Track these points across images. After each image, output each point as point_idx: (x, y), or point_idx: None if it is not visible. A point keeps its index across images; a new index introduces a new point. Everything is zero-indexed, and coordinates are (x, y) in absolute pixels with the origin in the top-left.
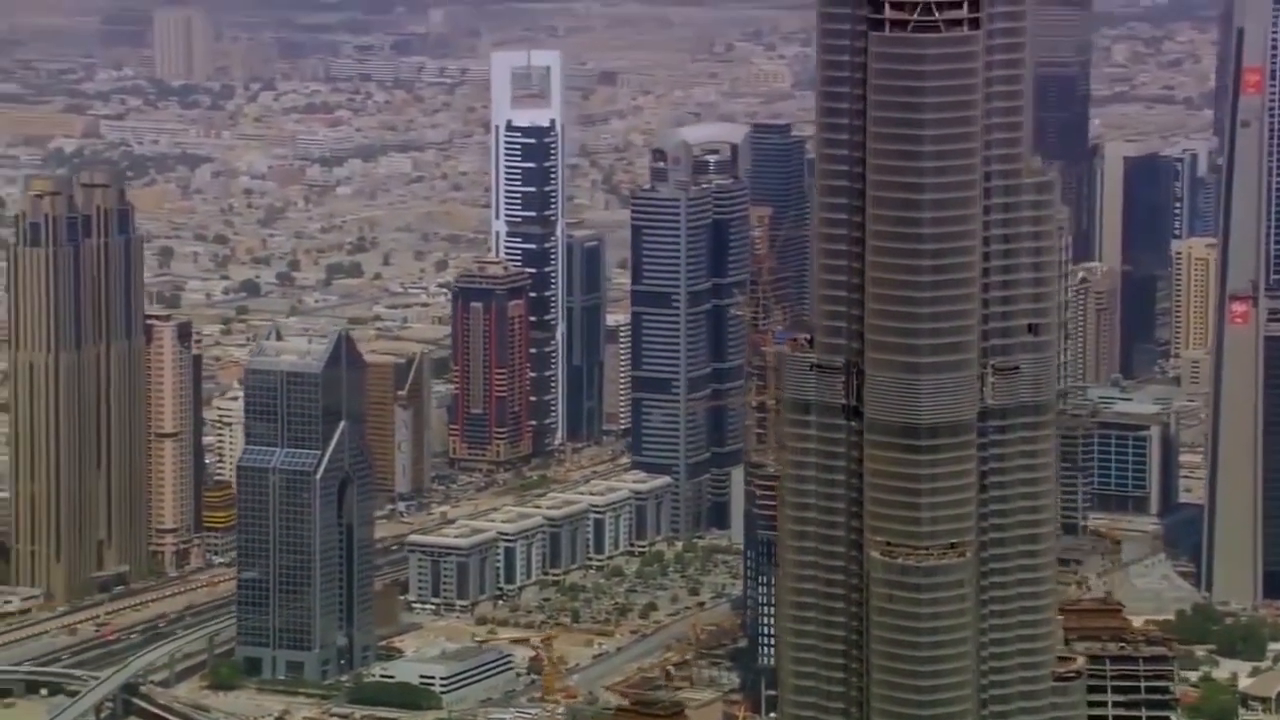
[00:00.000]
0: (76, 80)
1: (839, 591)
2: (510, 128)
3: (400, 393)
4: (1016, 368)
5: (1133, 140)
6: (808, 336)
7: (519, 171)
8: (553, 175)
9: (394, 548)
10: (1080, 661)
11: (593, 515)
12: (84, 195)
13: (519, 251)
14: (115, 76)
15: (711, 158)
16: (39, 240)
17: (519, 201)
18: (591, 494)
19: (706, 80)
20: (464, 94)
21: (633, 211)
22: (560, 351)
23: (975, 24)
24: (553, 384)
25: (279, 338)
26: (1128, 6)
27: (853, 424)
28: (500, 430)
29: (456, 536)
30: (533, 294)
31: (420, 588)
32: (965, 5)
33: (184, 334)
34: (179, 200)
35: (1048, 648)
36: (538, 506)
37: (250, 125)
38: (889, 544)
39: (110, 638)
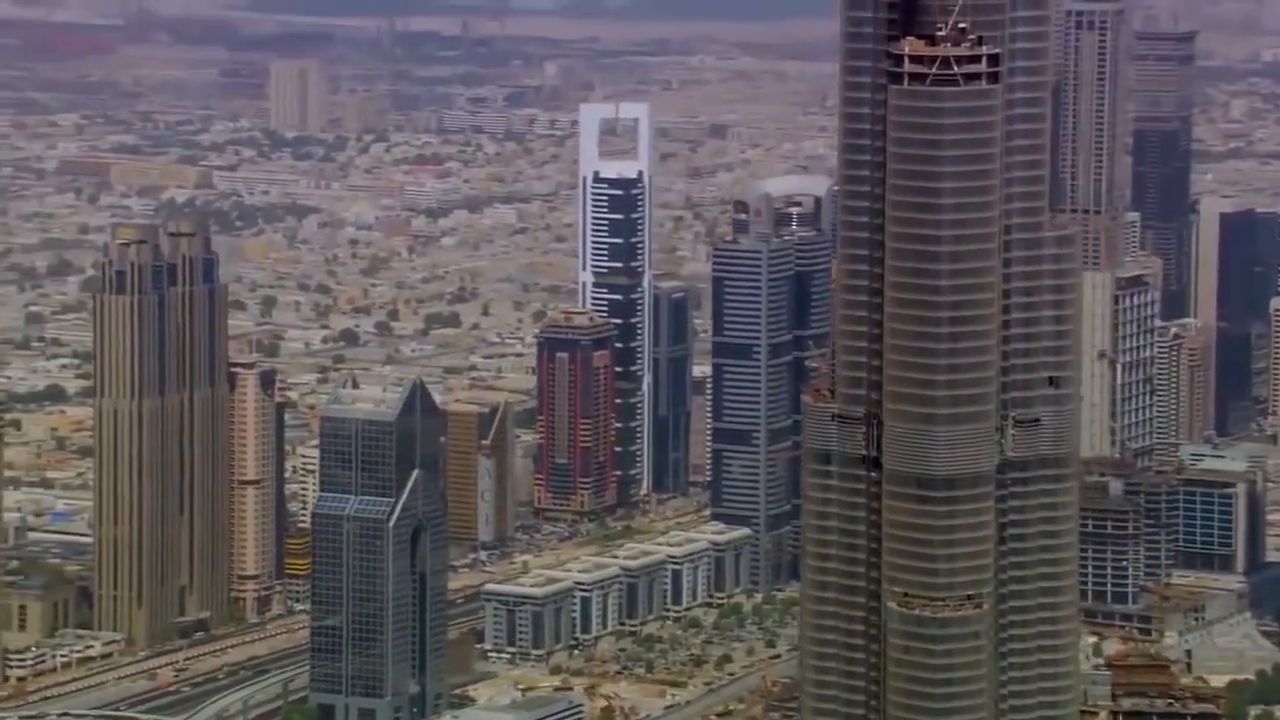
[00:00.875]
0: (193, 132)
1: (859, 642)
2: (598, 179)
3: (484, 442)
4: (1037, 420)
5: (1229, 196)
6: (830, 387)
7: (606, 223)
8: (639, 227)
9: (473, 596)
10: (1103, 716)
11: (670, 566)
12: (170, 244)
13: (606, 302)
14: (231, 128)
15: (794, 210)
16: (124, 288)
17: (606, 253)
18: (670, 545)
19: (816, 134)
20: (572, 146)
21: (714, 263)
22: (646, 402)
23: (994, 78)
24: (638, 435)
25: (355, 386)
26: (1248, 62)
27: (873, 474)
28: (585, 480)
29: (532, 585)
30: (619, 345)
31: (496, 636)
32: (984, 60)
33: (267, 381)
34: (285, 250)
35: (1069, 701)
36: (615, 556)
37: (360, 176)
38: (906, 594)
39: (168, 687)
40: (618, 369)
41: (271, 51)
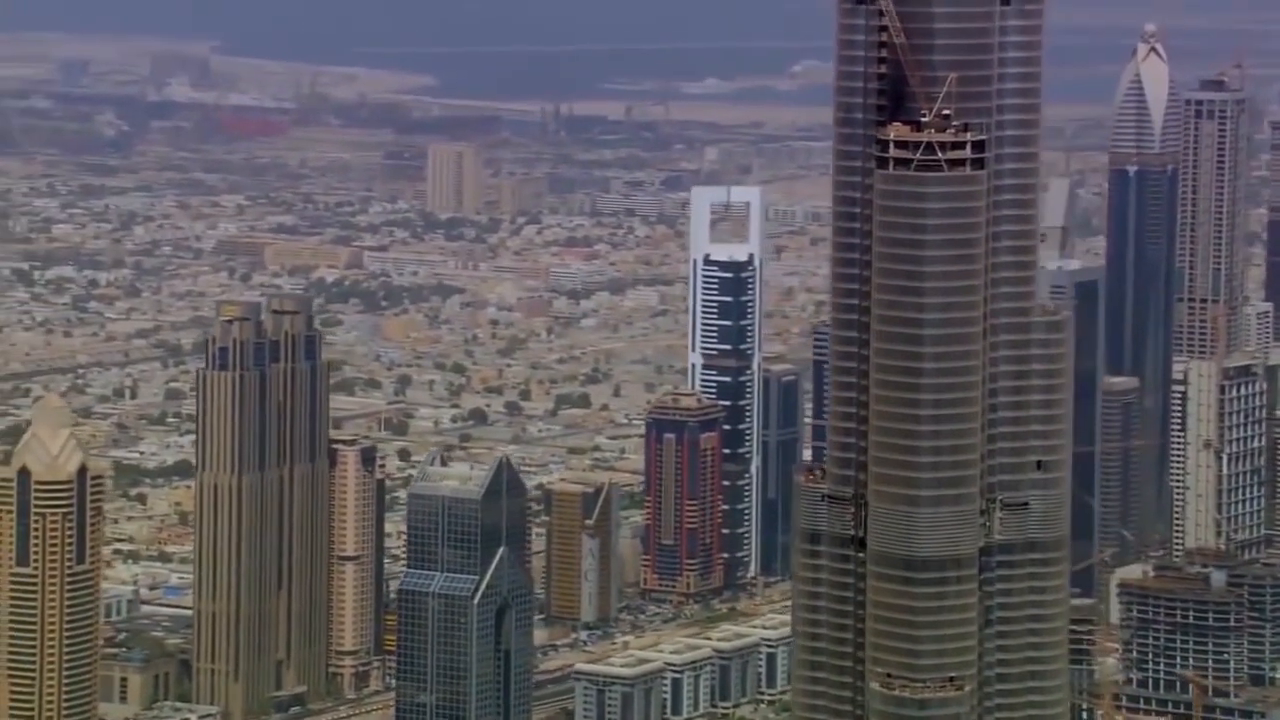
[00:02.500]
0: (351, 213)
1: None
2: (708, 262)
3: (588, 522)
4: (1025, 504)
5: None
6: (821, 467)
7: (716, 305)
8: (749, 309)
9: (566, 676)
10: None
11: (764, 649)
12: (273, 321)
13: (715, 384)
14: (389, 209)
15: None
16: (227, 364)
17: (716, 335)
18: (765, 628)
19: None
20: (721, 229)
21: (815, 347)
22: (755, 485)
23: (980, 164)
24: (746, 517)
25: (443, 463)
26: None
27: (860, 555)
28: (691, 562)
29: (623, 666)
30: (728, 427)
31: (585, 716)
32: (969, 146)
33: (367, 458)
34: (426, 330)
35: None
36: (708, 638)
37: (509, 258)
38: (888, 675)
39: None
40: (726, 451)
41: (439, 135)
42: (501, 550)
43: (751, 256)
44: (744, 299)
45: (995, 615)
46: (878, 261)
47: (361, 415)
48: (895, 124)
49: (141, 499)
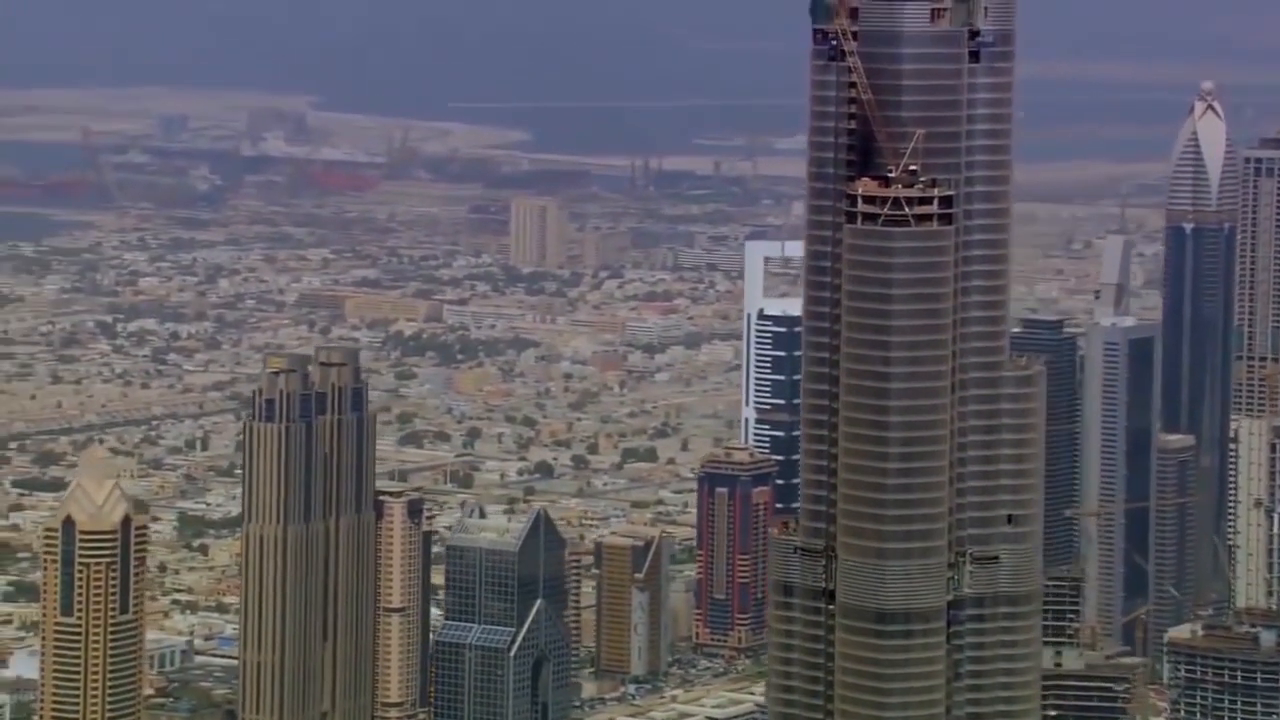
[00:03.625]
0: (435, 266)
1: None
2: (762, 316)
3: (638, 575)
4: (996, 558)
5: None
6: (795, 519)
7: (769, 359)
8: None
9: None
10: None
11: None
12: (320, 373)
13: (768, 438)
14: (472, 263)
15: None
16: (273, 416)
17: (769, 389)
18: None
19: (1051, 276)
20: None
21: None
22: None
23: (947, 219)
24: None
25: (482, 515)
26: None
27: (830, 607)
28: (742, 616)
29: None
30: (780, 481)
31: None
32: (936, 202)
33: (414, 510)
34: (499, 383)
35: None
36: (751, 692)
37: (587, 312)
38: None
39: None
40: (779, 505)
41: (527, 189)
42: (539, 603)
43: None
44: (797, 354)
45: (966, 669)
46: (846, 315)
47: (428, 467)
48: (864, 179)
49: (203, 550)
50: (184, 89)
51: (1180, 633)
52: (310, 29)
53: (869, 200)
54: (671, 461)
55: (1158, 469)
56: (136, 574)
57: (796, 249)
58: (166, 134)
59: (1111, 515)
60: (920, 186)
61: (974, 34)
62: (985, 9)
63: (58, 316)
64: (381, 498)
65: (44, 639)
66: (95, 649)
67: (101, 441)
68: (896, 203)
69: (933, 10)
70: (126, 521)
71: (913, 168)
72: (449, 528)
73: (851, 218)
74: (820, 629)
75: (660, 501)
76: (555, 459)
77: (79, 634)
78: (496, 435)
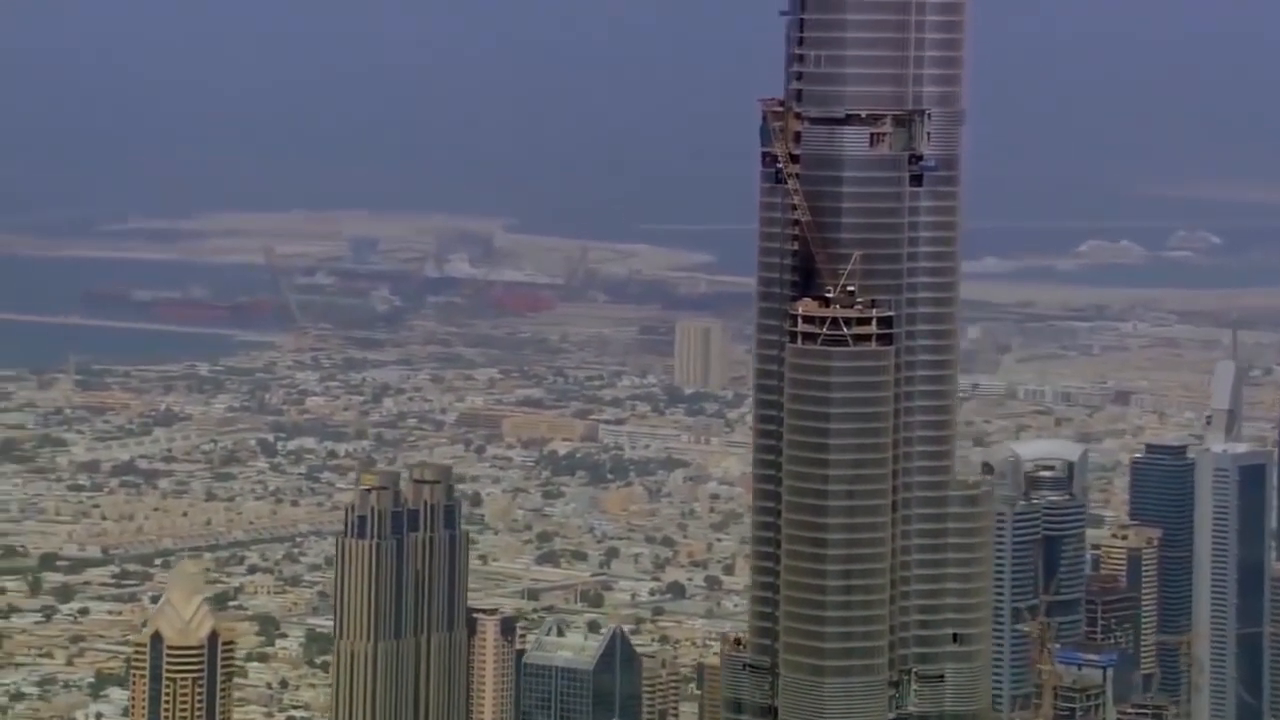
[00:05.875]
0: (599, 386)
1: None
2: None
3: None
4: (941, 676)
5: None
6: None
7: None
8: None
9: None
10: None
11: None
12: (413, 490)
13: None
14: (637, 384)
15: (1046, 473)
16: (365, 533)
17: None
18: None
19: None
20: (969, 408)
21: None
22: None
23: (887, 339)
24: None
25: (560, 634)
26: None
27: None
28: None
29: None
30: None
31: None
32: (874, 322)
33: (507, 628)
34: (645, 503)
35: None
36: None
37: (744, 432)
38: None
39: None
40: None
41: (703, 310)
42: None
43: None
44: None
45: None
46: (788, 433)
47: (561, 586)
48: (805, 299)
49: (325, 667)
50: (382, 212)
51: None
52: (511, 152)
53: (809, 320)
54: None
55: (1271, 597)
56: (223, 689)
57: None
58: (356, 256)
59: (1224, 643)
60: (859, 307)
61: (916, 158)
62: (928, 135)
63: (221, 435)
64: (475, 615)
65: None
66: None
67: (243, 560)
68: (835, 323)
69: (872, 135)
70: (213, 637)
71: (850, 288)
72: None
73: (793, 337)
74: None
75: None
76: (689, 579)
77: None
78: (634, 555)
